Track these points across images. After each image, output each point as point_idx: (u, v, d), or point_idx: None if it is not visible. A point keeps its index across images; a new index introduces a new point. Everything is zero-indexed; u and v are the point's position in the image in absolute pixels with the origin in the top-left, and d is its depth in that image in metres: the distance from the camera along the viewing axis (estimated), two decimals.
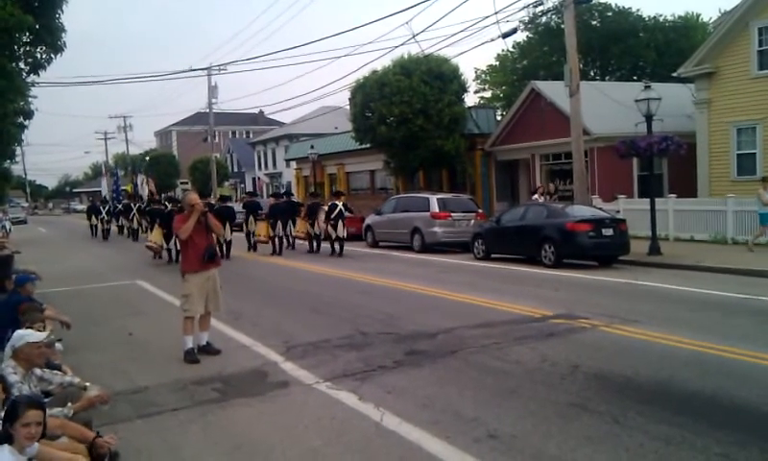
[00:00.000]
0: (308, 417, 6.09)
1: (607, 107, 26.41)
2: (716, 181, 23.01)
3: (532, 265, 16.84)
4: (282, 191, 30.34)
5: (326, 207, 22.34)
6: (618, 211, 21.15)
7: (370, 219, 25.50)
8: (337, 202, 22.14)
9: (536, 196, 24.15)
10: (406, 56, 28.94)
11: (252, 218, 23.95)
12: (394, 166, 31.25)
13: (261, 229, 23.39)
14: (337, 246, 21.40)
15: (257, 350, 8.71)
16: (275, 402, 6.58)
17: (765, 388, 6.40)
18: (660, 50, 41.45)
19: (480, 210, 23.31)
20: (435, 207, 21.78)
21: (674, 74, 25.62)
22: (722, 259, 15.80)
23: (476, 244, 19.45)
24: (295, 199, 28.09)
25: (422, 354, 8.13)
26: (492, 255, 18.83)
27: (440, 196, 23.19)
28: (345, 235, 21.66)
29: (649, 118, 17.51)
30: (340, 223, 21.41)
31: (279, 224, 22.50)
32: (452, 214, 21.76)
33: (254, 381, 7.30)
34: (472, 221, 21.69)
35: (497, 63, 50.92)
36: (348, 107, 32.16)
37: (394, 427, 5.69)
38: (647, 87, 17.73)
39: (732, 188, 21.66)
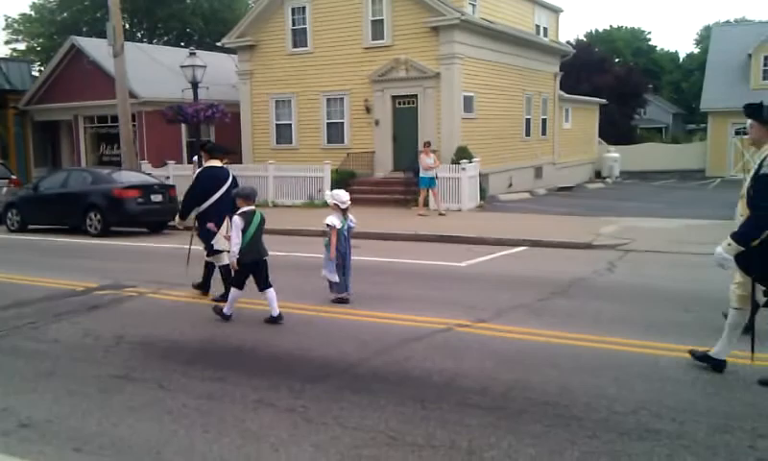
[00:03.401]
0: None
1: (155, 70, 26.11)
2: (259, 149, 24.80)
3: (77, 235, 15.77)
4: None
5: None
6: (168, 177, 21.19)
7: None
8: None
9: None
10: None
11: None
12: None
13: None
14: None
15: None
16: None
17: (296, 333, 7.13)
18: (207, 18, 42.58)
19: (14, 176, 21.03)
20: None
21: (218, 44, 26.59)
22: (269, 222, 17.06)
23: (9, 214, 17.40)
24: None
25: None
26: (30, 227, 17.07)
27: None
28: None
29: (195, 85, 17.88)
30: None
31: None
32: None
33: None
34: (5, 189, 19.35)
35: (33, 13, 45.77)
36: None
37: None
38: (192, 54, 18.05)
39: (272, 155, 23.64)
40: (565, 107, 31.13)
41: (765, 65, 33.53)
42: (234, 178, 8.86)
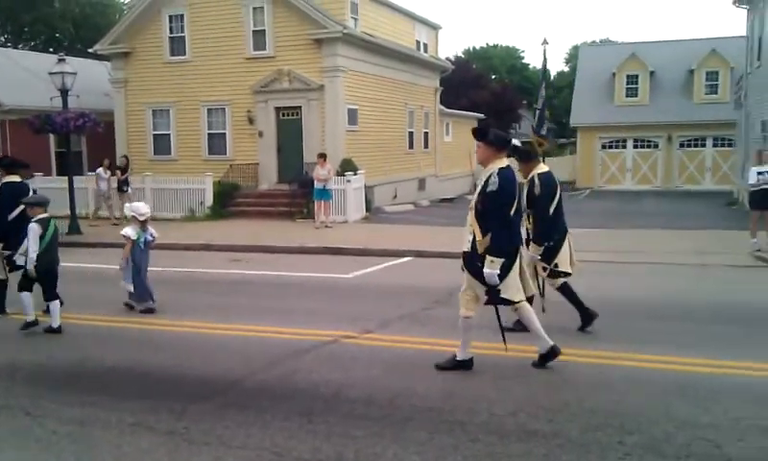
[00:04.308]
0: None
1: (20, 77, 24.61)
2: (135, 161, 23.70)
3: None
4: None
5: None
6: (35, 191, 19.76)
7: None
8: None
9: (100, 170, 20.15)
10: None
11: None
12: None
13: None
14: None
15: None
16: None
17: (176, 351, 6.87)
18: (78, 23, 40.55)
19: None
20: None
21: (90, 50, 25.34)
22: None
23: None
24: None
25: None
26: None
27: None
28: None
29: (64, 93, 16.91)
30: None
31: None
32: None
33: None
34: None
35: None
36: None
37: None
38: (61, 60, 17.10)
39: (150, 167, 22.73)
40: (446, 121, 32.06)
41: (628, 83, 36.05)
42: (35, 191, 9.19)
